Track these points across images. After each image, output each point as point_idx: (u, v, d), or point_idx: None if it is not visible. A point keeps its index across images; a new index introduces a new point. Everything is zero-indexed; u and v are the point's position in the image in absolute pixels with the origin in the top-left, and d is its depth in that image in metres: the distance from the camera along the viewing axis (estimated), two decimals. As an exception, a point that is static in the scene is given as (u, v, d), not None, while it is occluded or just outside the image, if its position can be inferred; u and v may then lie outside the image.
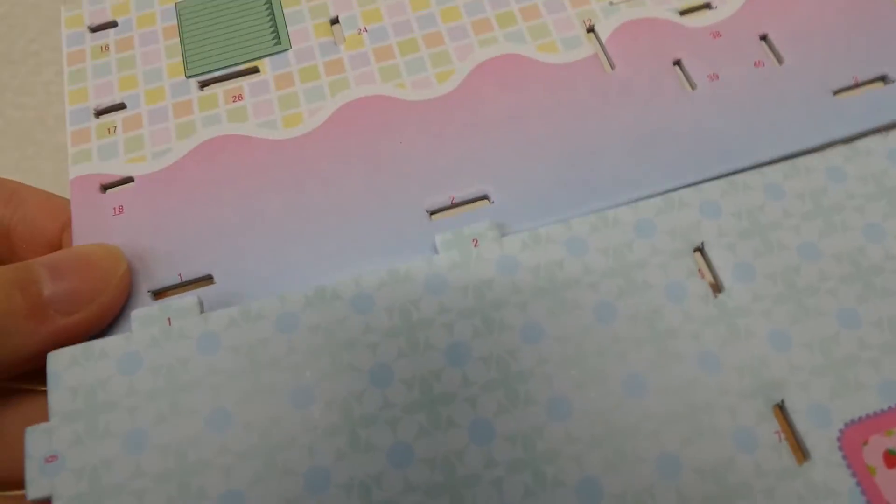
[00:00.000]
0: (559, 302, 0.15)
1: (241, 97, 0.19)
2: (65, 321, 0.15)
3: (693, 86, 0.18)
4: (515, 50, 0.19)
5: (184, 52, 0.19)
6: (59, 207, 0.18)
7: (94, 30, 0.20)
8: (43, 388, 0.16)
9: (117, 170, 0.18)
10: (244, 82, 0.19)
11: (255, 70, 0.19)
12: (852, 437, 0.14)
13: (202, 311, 0.16)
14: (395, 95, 0.18)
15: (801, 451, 0.15)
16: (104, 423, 0.15)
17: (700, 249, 0.16)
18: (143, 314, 0.16)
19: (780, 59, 0.18)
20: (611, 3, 0.19)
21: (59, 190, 0.22)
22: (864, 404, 0.15)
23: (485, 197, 0.17)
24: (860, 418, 0.15)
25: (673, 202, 0.16)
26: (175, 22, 0.20)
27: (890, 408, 0.15)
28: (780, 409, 0.15)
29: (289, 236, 0.17)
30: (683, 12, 0.19)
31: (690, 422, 0.14)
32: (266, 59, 0.19)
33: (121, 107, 0.19)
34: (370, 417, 0.15)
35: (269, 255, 0.17)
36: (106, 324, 0.16)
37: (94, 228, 0.17)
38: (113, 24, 0.20)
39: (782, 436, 0.14)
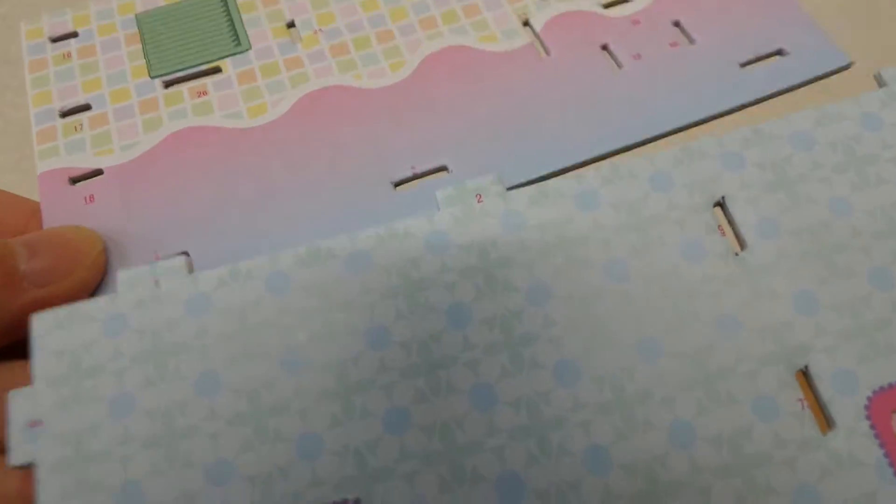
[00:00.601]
0: (568, 260, 0.15)
1: (205, 93, 0.20)
2: (39, 292, 0.15)
3: (620, 65, 0.20)
4: (459, 42, 0.20)
5: (147, 55, 0.20)
6: (21, 201, 0.18)
7: (54, 40, 0.21)
8: (20, 359, 0.16)
9: (86, 163, 0.18)
10: (208, 80, 0.20)
11: (218, 70, 0.20)
12: (881, 404, 0.14)
13: (191, 272, 0.16)
14: (352, 85, 0.20)
15: (825, 420, 0.14)
16: (90, 387, 0.14)
17: (721, 204, 0.15)
18: (129, 275, 0.15)
19: (691, 41, 0.20)
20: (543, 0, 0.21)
21: None
22: (895, 370, 0.14)
23: (444, 168, 0.18)
24: (890, 385, 0.14)
25: (692, 152, 0.16)
26: (136, 30, 0.21)
27: None
28: (804, 374, 0.14)
29: (261, 216, 0.18)
30: (606, 6, 0.21)
31: (706, 388, 0.14)
32: (228, 60, 0.20)
33: (86, 107, 0.19)
34: (366, 382, 0.14)
35: (243, 234, 0.17)
36: (81, 297, 0.16)
37: (64, 217, 0.18)
38: (73, 35, 0.21)
39: (805, 403, 0.14)
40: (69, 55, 0.20)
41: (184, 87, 0.20)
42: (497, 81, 0.20)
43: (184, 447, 0.14)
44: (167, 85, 0.20)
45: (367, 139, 0.19)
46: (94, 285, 0.16)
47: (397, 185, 0.18)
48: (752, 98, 0.19)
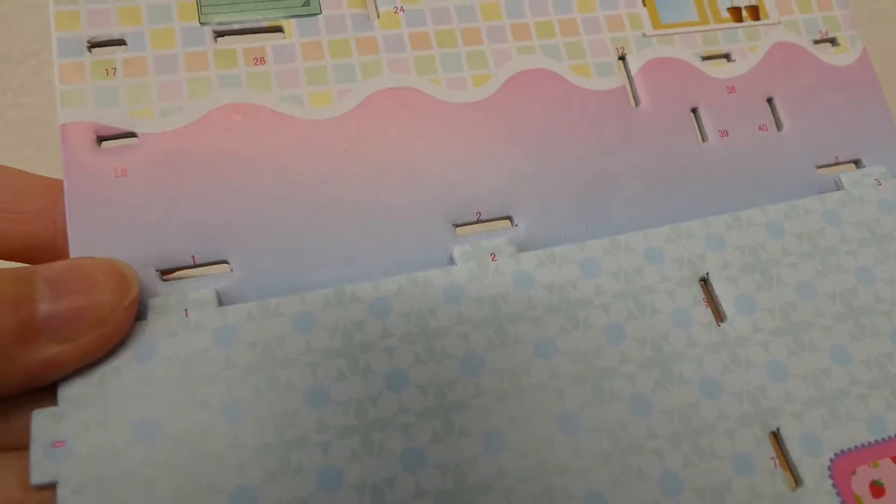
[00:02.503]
0: (572, 320, 0.16)
1: (263, 60, 0.17)
2: (55, 350, 0.14)
3: (705, 137, 0.19)
4: (551, 66, 0.19)
5: (198, -9, 0.17)
6: (46, 181, 0.16)
7: (83, -64, 0.17)
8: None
9: (118, 121, 0.16)
10: (267, 42, 0.17)
11: (279, 30, 0.18)
12: (842, 466, 0.15)
13: (220, 305, 0.15)
14: (430, 92, 0.18)
15: (794, 478, 0.16)
16: (115, 410, 0.14)
17: (704, 280, 0.17)
18: (159, 303, 0.15)
19: (779, 126, 0.20)
20: (644, 35, 0.19)
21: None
22: (853, 436, 0.16)
23: (509, 218, 0.18)
24: (849, 449, 0.16)
25: (681, 232, 0.17)
26: (187, -50, 0.17)
27: (877, 441, 0.16)
28: (776, 436, 0.16)
29: (310, 230, 0.16)
30: (706, 58, 0.20)
31: (692, 443, 0.15)
32: (293, 21, 0.17)
33: (120, 42, 0.17)
34: (384, 421, 0.15)
35: (288, 248, 0.16)
36: (101, 355, 0.14)
37: (92, 192, 0.16)
38: (108, -65, 0.17)
39: (777, 462, 0.15)
40: (102, -35, 0.17)
41: (238, 46, 0.17)
42: (582, 125, 0.18)
43: (207, 475, 0.14)
44: (218, 35, 0.17)
45: (438, 164, 0.17)
46: (120, 339, 0.14)
47: (458, 226, 0.17)
48: (818, 208, 0.19)
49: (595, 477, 0.15)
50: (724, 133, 0.19)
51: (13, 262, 0.16)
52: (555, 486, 0.15)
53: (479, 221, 0.17)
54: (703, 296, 0.17)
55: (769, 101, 0.20)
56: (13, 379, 0.13)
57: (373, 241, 0.17)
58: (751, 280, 0.17)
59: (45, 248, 0.16)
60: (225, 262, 0.16)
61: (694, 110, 0.19)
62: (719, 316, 0.17)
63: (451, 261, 0.17)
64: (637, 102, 0.19)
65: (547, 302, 0.16)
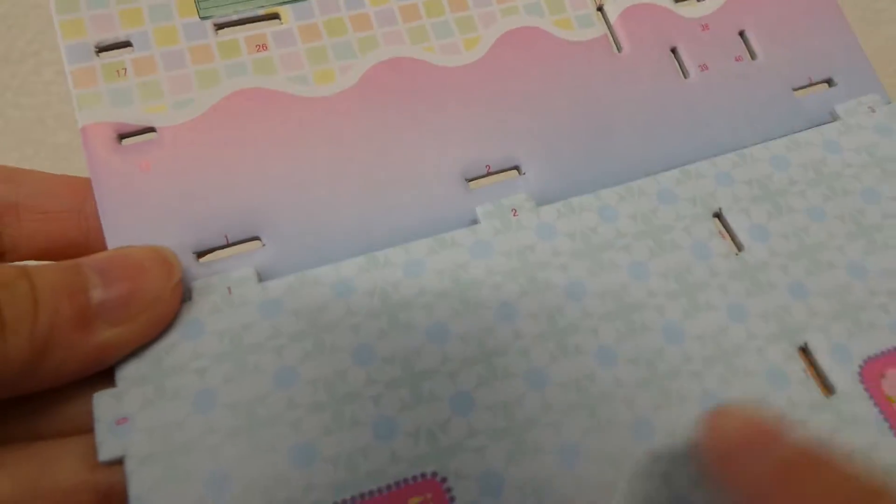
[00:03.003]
0: (597, 262, 0.17)
1: (265, 47, 0.18)
2: (111, 333, 0.14)
3: (686, 73, 0.20)
4: (535, 23, 0.20)
5: (194, -12, 0.18)
6: (71, 180, 0.16)
7: (76, -52, 0.18)
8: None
9: (135, 118, 0.17)
10: (267, 30, 0.18)
11: (275, 16, 0.18)
12: (871, 371, 0.16)
13: (260, 281, 0.16)
14: (424, 59, 0.19)
15: (826, 387, 0.16)
16: (172, 385, 0.15)
17: (718, 215, 0.18)
18: (202, 285, 0.16)
19: (753, 55, 0.21)
20: (617, -15, 0.20)
21: None
22: (879, 342, 0.17)
23: (517, 168, 0.18)
24: (876, 355, 0.17)
25: (690, 174, 0.18)
26: (178, -49, 0.18)
27: None
28: (804, 350, 0.17)
29: (334, 200, 0.17)
30: (678, 0, 0.21)
31: (726, 364, 0.16)
32: (288, 8, 0.18)
33: (126, 44, 0.17)
34: (430, 371, 0.16)
35: (314, 219, 0.17)
36: (154, 336, 0.15)
37: (120, 188, 0.16)
38: (99, -56, 0.18)
39: (808, 373, 0.16)
40: (99, -27, 0.17)
41: (240, 36, 0.18)
42: (570, 74, 0.19)
43: (266, 435, 0.15)
44: (219, 27, 0.18)
45: (442, 125, 0.18)
46: (171, 319, 0.15)
47: (470, 180, 0.18)
48: (799, 128, 0.20)
49: (638, 403, 0.16)
50: (704, 67, 0.20)
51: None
52: (601, 414, 0.16)
53: (489, 173, 0.18)
54: (718, 229, 0.18)
55: (741, 33, 0.21)
56: (75, 364, 0.14)
57: (392, 206, 0.17)
58: (762, 210, 0.18)
59: (78, 245, 0.16)
60: (257, 238, 0.17)
61: (673, 50, 0.20)
62: (737, 246, 0.18)
63: (475, 220, 0.18)
64: (619, 49, 0.20)
65: (571, 248, 0.17)
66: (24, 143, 0.20)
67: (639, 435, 0.16)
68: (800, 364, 0.16)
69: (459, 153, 0.18)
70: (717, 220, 0.18)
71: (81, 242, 0.16)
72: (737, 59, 0.20)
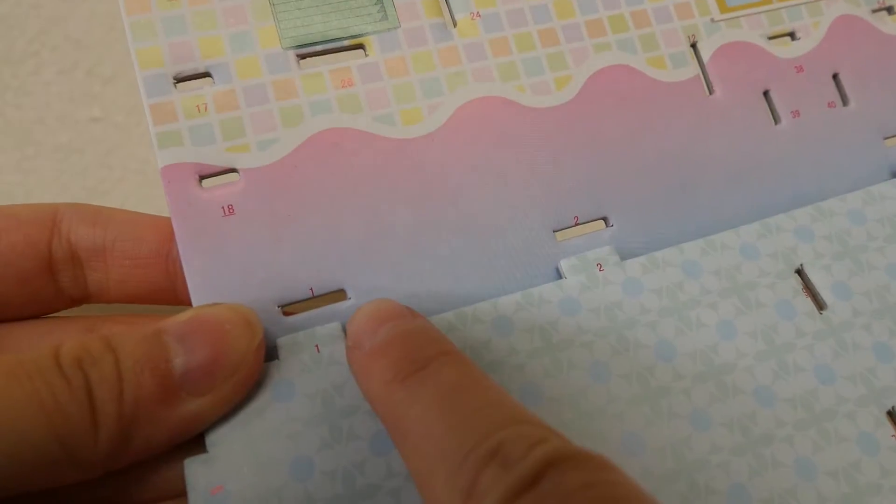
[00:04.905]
0: (684, 320, 0.17)
1: (350, 83, 0.17)
2: (196, 404, 0.14)
3: (777, 120, 0.19)
4: (628, 61, 0.19)
5: (276, 17, 0.17)
6: (156, 221, 0.16)
7: (151, -35, 0.16)
8: None
9: (217, 159, 0.16)
10: (352, 62, 0.17)
11: (360, 47, 0.17)
12: None
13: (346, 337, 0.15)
14: (515, 100, 0.18)
15: None
16: (266, 451, 0.14)
17: (800, 271, 0.18)
18: (288, 342, 0.15)
19: (845, 101, 0.20)
20: (712, 21, 0.19)
21: (62, 192, 0.20)
22: None
23: (605, 219, 0.18)
24: None
25: (770, 227, 0.18)
26: (259, -28, 0.17)
27: None
28: (891, 415, 0.17)
29: (419, 248, 0.17)
30: (772, 37, 0.20)
31: (817, 428, 0.16)
32: (373, 38, 0.17)
33: (205, 75, 0.16)
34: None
35: (400, 269, 0.16)
36: (238, 401, 0.15)
37: (203, 234, 0.15)
38: (176, -38, 0.16)
39: None
40: (177, -4, 0.16)
41: (324, 69, 0.17)
42: (661, 118, 0.19)
43: None
44: (301, 58, 0.17)
45: (530, 171, 0.17)
46: (253, 383, 0.15)
47: (557, 231, 0.17)
48: (882, 178, 0.20)
49: (735, 469, 0.16)
50: (796, 113, 0.19)
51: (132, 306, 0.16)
52: (697, 482, 0.15)
53: (576, 224, 0.18)
54: (801, 286, 0.18)
55: (835, 76, 0.20)
56: (162, 438, 0.14)
57: (479, 255, 0.17)
58: (843, 267, 0.18)
59: (164, 290, 0.16)
60: (342, 290, 0.16)
61: (765, 93, 0.19)
62: (819, 304, 0.18)
63: (558, 273, 0.17)
64: (711, 91, 0.19)
65: (658, 306, 0.17)
66: (24, 143, 0.19)
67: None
68: (889, 429, 0.16)
69: (547, 201, 0.17)
70: (798, 276, 0.18)
71: (168, 287, 0.16)
72: (829, 105, 0.20)
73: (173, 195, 0.15)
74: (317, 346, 0.15)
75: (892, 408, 0.17)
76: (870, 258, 0.18)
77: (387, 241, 0.16)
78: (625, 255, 0.17)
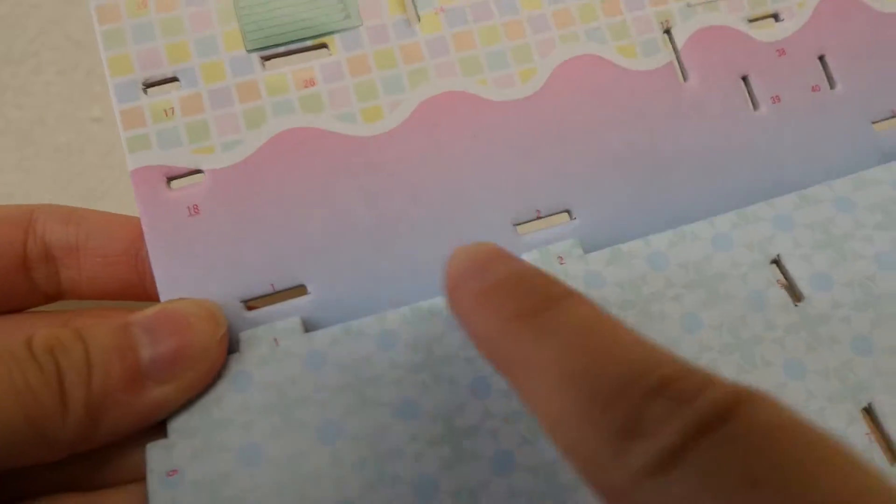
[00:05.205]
0: (646, 314, 0.17)
1: (313, 82, 0.17)
2: (161, 391, 0.15)
3: (756, 105, 0.19)
4: (596, 51, 0.18)
5: (240, 20, 0.17)
6: (127, 221, 0.17)
7: (121, -26, 0.17)
8: None
9: (183, 161, 0.17)
10: (315, 62, 0.17)
11: (324, 46, 0.18)
12: None
13: (305, 331, 0.16)
14: (478, 94, 0.18)
15: (892, 451, 0.15)
16: (220, 438, 0.15)
17: (776, 262, 0.17)
18: (249, 335, 0.16)
19: (832, 84, 0.19)
20: (688, 5, 0.19)
21: (62, 192, 0.21)
22: None
23: (567, 212, 0.18)
24: None
25: (747, 217, 0.18)
26: (224, -23, 0.17)
27: None
28: (868, 411, 0.16)
29: (379, 245, 0.17)
30: (752, 20, 0.19)
31: None
32: (336, 38, 0.18)
33: (173, 80, 0.17)
34: (473, 428, 0.16)
35: (360, 266, 0.17)
36: (202, 389, 0.15)
37: (170, 233, 0.16)
38: (145, -28, 0.17)
39: (872, 437, 0.15)
40: (145, 3, 0.17)
41: (286, 70, 0.17)
42: (631, 108, 0.18)
43: (309, 493, 0.15)
44: (266, 59, 0.17)
45: (492, 166, 0.18)
46: (216, 372, 0.15)
47: (518, 224, 0.18)
48: (872, 165, 0.19)
49: None
50: (776, 99, 0.19)
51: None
52: None
53: (538, 218, 0.18)
54: (777, 278, 0.17)
55: (821, 58, 0.19)
56: (128, 423, 0.15)
57: (438, 252, 0.17)
58: (824, 257, 0.17)
59: (134, 286, 0.17)
60: (302, 286, 0.17)
61: (744, 78, 0.19)
62: (796, 296, 0.17)
63: None
64: (685, 77, 0.19)
65: (620, 298, 0.17)
66: (24, 143, 0.20)
67: None
68: (862, 427, 0.16)
69: (509, 196, 0.18)
70: (775, 266, 0.17)
71: (137, 284, 0.17)
72: (813, 90, 0.19)
73: (142, 196, 0.16)
74: (276, 339, 0.16)
75: (869, 404, 0.16)
76: (855, 247, 0.17)
77: (346, 239, 0.17)
78: (591, 249, 0.17)
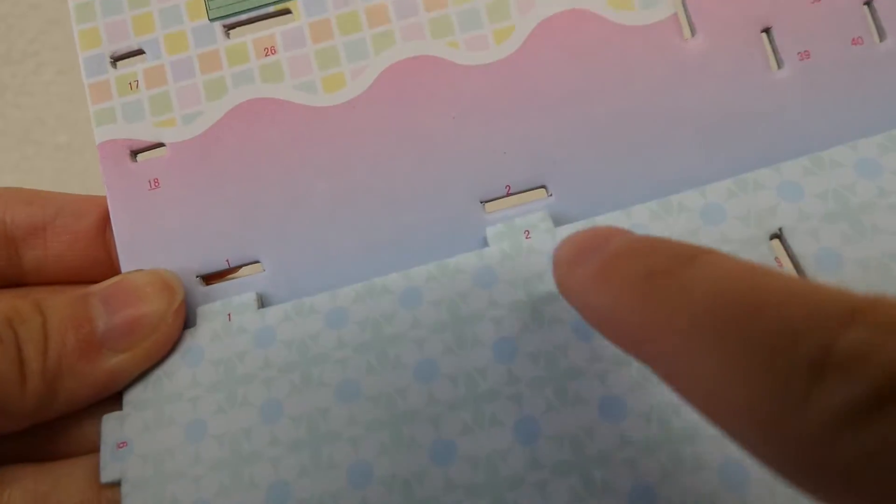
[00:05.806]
0: None
1: (273, 50, 0.17)
2: (117, 360, 0.15)
3: (780, 63, 0.16)
4: (584, 5, 0.16)
5: (203, -14, 0.17)
6: (96, 199, 0.17)
7: (93, -54, 0.17)
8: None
9: (146, 134, 0.17)
10: (277, 29, 0.17)
11: (287, 12, 0.17)
12: None
13: (260, 307, 0.16)
14: (446, 57, 0.16)
15: None
16: (169, 412, 0.15)
17: (777, 236, 0.15)
18: (206, 310, 0.16)
19: (881, 35, 0.16)
20: (700, -54, 0.16)
21: (61, 190, 0.21)
22: None
23: (542, 187, 0.16)
24: None
25: (747, 184, 0.15)
26: (188, -58, 0.17)
27: None
28: None
29: (336, 220, 0.16)
30: (782, -39, 0.16)
31: None
32: (299, 1, 0.17)
33: (139, 52, 0.17)
34: (414, 413, 0.15)
35: (316, 241, 0.16)
36: (158, 359, 0.16)
37: (132, 207, 0.16)
38: (115, -60, 0.17)
39: None
40: (113, -25, 0.17)
41: (248, 38, 0.17)
42: (623, 69, 0.16)
43: (247, 471, 0.15)
44: (229, 28, 0.17)
45: (459, 137, 0.16)
46: (173, 342, 0.16)
47: (487, 201, 0.16)
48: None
49: (644, 468, 0.14)
50: (805, 55, 0.16)
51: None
52: (595, 477, 0.14)
53: (509, 195, 0.16)
54: (775, 255, 0.15)
55: (868, 3, 0.16)
56: (85, 392, 0.15)
57: (399, 227, 0.16)
58: (835, 231, 0.15)
59: (103, 264, 0.17)
60: (257, 261, 0.16)
61: (766, 30, 0.16)
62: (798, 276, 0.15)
63: (485, 242, 0.16)
64: (693, 32, 0.16)
65: None
66: (24, 143, 0.21)
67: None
68: None
69: (477, 170, 0.16)
70: (776, 243, 0.15)
71: (106, 261, 0.17)
72: (854, 42, 0.16)
73: (107, 170, 0.17)
74: (229, 314, 0.16)
75: None
76: (877, 220, 0.15)
77: (302, 213, 0.16)
78: (563, 223, 0.16)
